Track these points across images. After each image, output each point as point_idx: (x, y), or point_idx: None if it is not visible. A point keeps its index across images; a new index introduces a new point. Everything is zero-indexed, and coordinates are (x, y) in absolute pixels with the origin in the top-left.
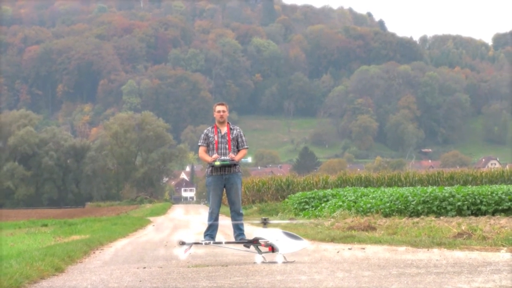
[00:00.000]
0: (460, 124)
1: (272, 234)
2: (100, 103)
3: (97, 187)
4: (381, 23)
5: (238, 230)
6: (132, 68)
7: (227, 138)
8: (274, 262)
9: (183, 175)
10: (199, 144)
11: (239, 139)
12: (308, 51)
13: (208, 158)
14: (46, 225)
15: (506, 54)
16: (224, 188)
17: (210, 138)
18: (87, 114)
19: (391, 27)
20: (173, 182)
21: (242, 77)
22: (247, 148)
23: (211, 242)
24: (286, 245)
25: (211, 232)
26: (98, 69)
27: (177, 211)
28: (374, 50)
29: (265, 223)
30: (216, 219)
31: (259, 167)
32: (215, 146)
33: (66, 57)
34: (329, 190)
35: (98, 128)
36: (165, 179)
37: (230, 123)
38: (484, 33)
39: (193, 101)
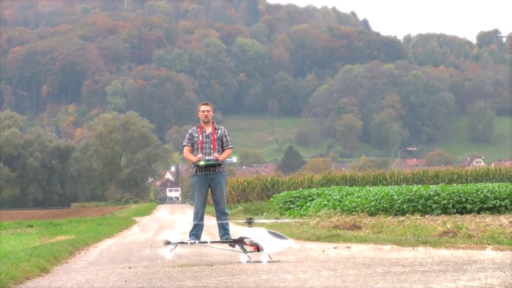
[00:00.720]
0: (444, 122)
1: (257, 234)
2: (85, 103)
3: (82, 187)
4: (365, 22)
5: (223, 229)
6: (116, 68)
7: (212, 138)
8: (260, 262)
9: (168, 175)
10: (184, 144)
11: (224, 139)
12: (292, 51)
13: (193, 158)
14: (31, 226)
15: (490, 52)
16: (209, 188)
17: (195, 138)
18: (71, 114)
19: (375, 26)
20: (158, 183)
21: (226, 77)
22: (231, 148)
23: (197, 241)
24: (271, 245)
25: (196, 231)
26: (82, 70)
27: (162, 211)
28: (358, 49)
29: (250, 223)
30: (202, 219)
31: (244, 167)
32: (199, 146)
33: (50, 58)
34: (314, 189)
35: (82, 129)
36: (150, 180)
37: (214, 123)
38: (468, 31)
39: (178, 102)
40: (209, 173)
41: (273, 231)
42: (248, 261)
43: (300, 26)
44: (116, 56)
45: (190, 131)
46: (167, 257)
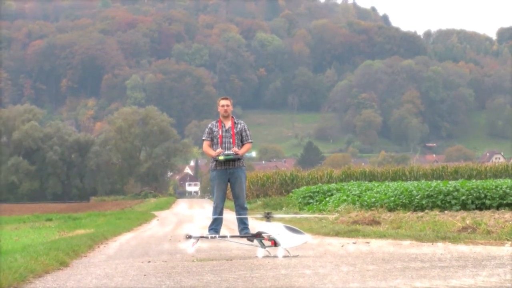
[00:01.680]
0: (464, 118)
1: (274, 228)
2: (104, 97)
3: (101, 181)
4: (385, 18)
5: (243, 224)
6: (136, 63)
7: (231, 132)
8: (276, 256)
9: (187, 170)
10: (203, 138)
11: (243, 133)
12: (312, 46)
13: (212, 153)
14: (50, 220)
15: (510, 48)
16: (229, 182)
17: (214, 133)
18: (91, 108)
19: (395, 22)
20: (177, 177)
21: (246, 72)
22: (251, 142)
23: (217, 236)
24: (287, 239)
25: (215, 226)
26: (102, 64)
27: (181, 206)
28: (378, 45)
29: (268, 217)
30: (221, 213)
31: (263, 162)
32: (219, 140)
33: (70, 52)
34: (334, 184)
35: (102, 123)
36: (169, 174)
37: (234, 117)
38: (488, 27)
39: (197, 96)
40: (229, 167)
41: (290, 226)
42: (266, 256)
43: (320, 21)
44: (136, 50)
45: (209, 125)
46: (188, 251)
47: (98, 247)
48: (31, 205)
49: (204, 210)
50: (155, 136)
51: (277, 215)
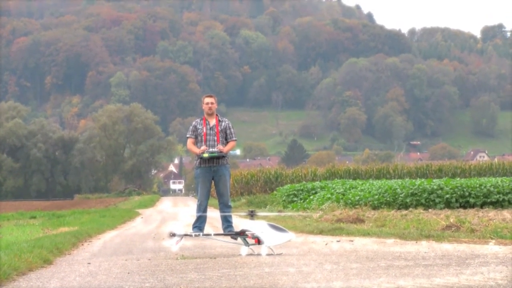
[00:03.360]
0: (448, 116)
1: (257, 227)
2: (89, 95)
3: (85, 179)
4: (369, 16)
5: (227, 222)
6: (120, 60)
7: (216, 130)
8: (259, 254)
9: (172, 168)
10: (188, 136)
11: (228, 131)
12: (297, 43)
13: (196, 150)
14: (34, 217)
15: (495, 46)
16: (213, 180)
17: (199, 130)
18: (75, 106)
19: (379, 20)
20: (162, 175)
21: (231, 69)
22: (235, 140)
23: (200, 234)
24: (271, 237)
25: (199, 224)
26: (87, 61)
27: (166, 204)
28: (363, 43)
29: (252, 216)
30: (205, 211)
31: (247, 160)
32: (203, 138)
33: (54, 49)
34: (318, 182)
35: (86, 120)
36: (154, 171)
37: (218, 115)
38: (472, 25)
39: (182, 93)
40: (213, 165)
41: (273, 224)
42: (250, 254)
43: (305, 19)
44: (121, 48)
45: (194, 123)
46: (173, 249)
47: (82, 245)
48: (15, 202)
49: (188, 208)
50: (140, 134)
51: (261, 213)
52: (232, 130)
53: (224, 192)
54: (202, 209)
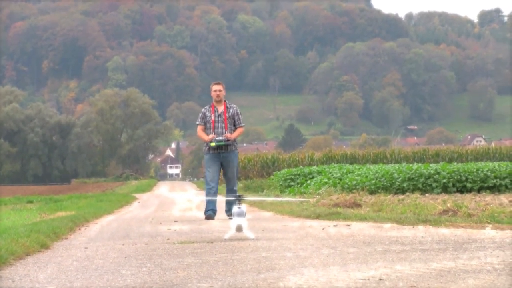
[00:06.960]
0: (445, 101)
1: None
2: (86, 79)
3: (82, 163)
4: (366, 0)
5: (230, 205)
6: (117, 44)
7: (224, 117)
8: (245, 239)
9: (169, 152)
10: (197, 123)
11: (236, 117)
12: (294, 28)
13: (205, 137)
14: (31, 202)
15: (492, 31)
16: (221, 166)
17: (207, 117)
18: (72, 90)
19: (376, 4)
20: (159, 159)
21: (228, 54)
22: (243, 126)
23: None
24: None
25: (212, 207)
26: (84, 46)
27: (163, 188)
28: (360, 27)
29: (239, 200)
30: (215, 194)
31: (244, 144)
32: (212, 125)
33: (51, 33)
34: (315, 167)
35: (83, 105)
36: (151, 156)
37: (227, 101)
38: (469, 10)
39: (179, 78)
40: (222, 151)
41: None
42: (230, 238)
43: (302, 3)
44: (118, 32)
45: (203, 110)
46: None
47: (79, 229)
48: (12, 187)
49: (185, 193)
50: (137, 118)
51: (248, 197)
52: (240, 116)
53: (232, 177)
54: (213, 192)
